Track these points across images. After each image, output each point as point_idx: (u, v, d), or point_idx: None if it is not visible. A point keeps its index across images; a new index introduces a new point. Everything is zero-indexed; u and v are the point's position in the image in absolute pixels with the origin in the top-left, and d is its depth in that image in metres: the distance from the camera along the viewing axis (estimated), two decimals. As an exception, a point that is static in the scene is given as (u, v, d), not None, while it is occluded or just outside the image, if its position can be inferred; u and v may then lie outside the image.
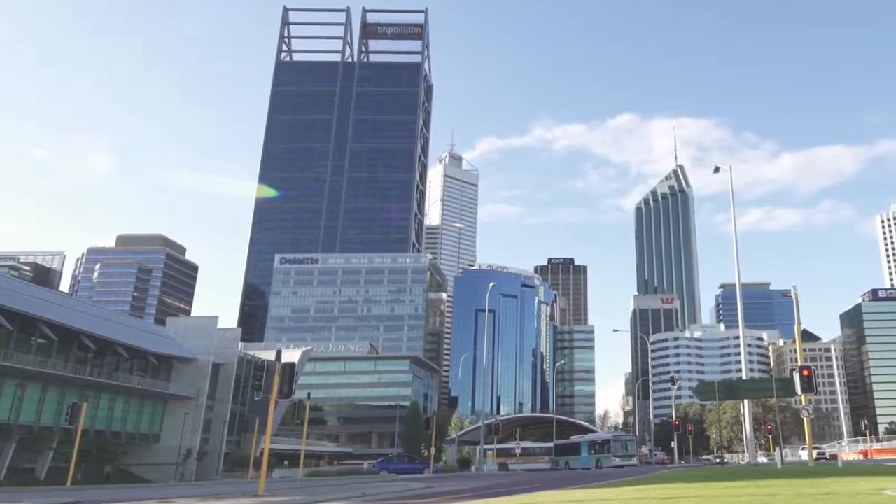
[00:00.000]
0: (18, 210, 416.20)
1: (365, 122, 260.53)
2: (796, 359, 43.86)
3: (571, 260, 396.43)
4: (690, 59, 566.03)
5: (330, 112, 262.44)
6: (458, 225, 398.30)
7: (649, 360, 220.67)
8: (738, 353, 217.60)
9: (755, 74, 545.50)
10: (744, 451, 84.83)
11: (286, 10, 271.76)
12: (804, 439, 44.63)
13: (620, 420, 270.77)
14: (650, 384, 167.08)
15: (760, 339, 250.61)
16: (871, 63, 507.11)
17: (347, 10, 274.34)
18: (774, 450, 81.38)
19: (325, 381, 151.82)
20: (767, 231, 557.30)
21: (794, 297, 45.52)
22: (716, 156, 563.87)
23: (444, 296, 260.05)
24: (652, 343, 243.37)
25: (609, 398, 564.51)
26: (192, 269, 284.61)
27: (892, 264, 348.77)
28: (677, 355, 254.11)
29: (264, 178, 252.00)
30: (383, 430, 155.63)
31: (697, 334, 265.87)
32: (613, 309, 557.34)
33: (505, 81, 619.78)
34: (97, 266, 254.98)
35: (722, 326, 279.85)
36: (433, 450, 68.58)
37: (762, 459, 79.34)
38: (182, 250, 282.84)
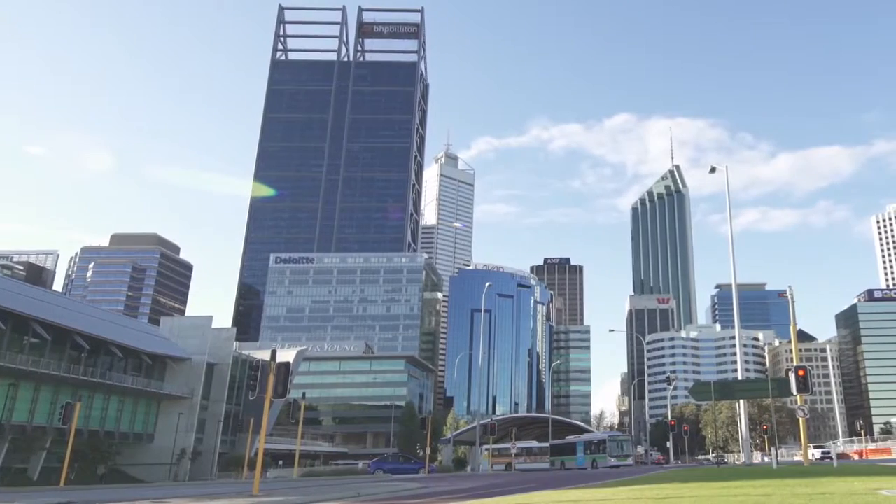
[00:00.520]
0: (12, 209, 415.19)
1: (361, 122, 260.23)
2: (792, 359, 43.81)
3: (567, 260, 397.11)
4: (687, 59, 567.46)
5: (326, 111, 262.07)
6: (457, 224, 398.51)
7: (645, 360, 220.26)
8: (734, 354, 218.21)
9: (752, 75, 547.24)
10: (740, 451, 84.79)
11: (282, 9, 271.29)
12: (800, 439, 44.55)
13: (616, 420, 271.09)
14: (646, 384, 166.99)
15: (756, 339, 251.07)
16: (868, 64, 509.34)
17: (343, 9, 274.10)
18: (770, 450, 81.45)
19: (320, 380, 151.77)
20: (764, 231, 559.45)
21: (789, 297, 45.38)
22: (712, 156, 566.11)
23: (440, 295, 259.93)
24: (648, 343, 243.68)
25: (605, 398, 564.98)
26: (187, 268, 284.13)
27: (888, 265, 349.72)
28: (673, 355, 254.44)
29: (259, 176, 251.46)
30: (378, 430, 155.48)
31: (693, 334, 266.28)
32: (609, 309, 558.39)
33: (501, 81, 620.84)
34: (91, 265, 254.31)
35: (718, 326, 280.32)
36: (429, 450, 68.45)
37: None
38: (176, 249, 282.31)
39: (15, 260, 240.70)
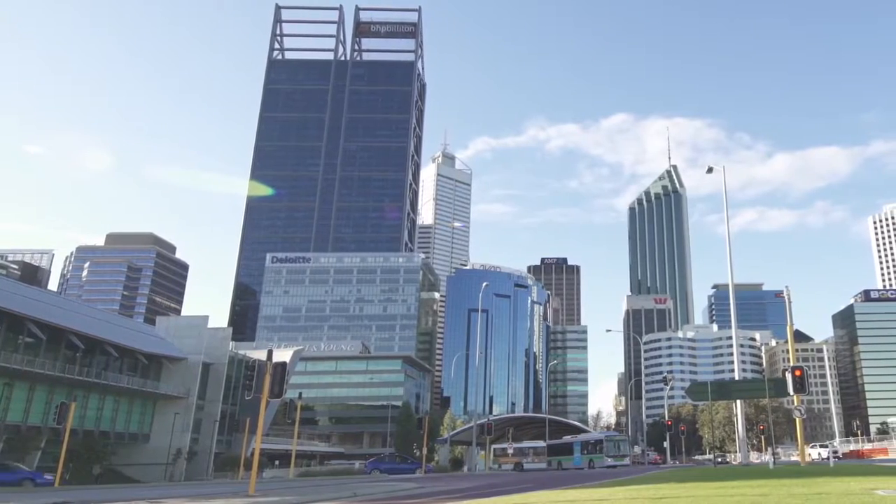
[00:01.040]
0: (7, 208, 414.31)
1: (358, 121, 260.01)
2: (789, 359, 43.78)
3: (564, 260, 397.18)
4: (685, 59, 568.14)
5: (322, 110, 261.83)
6: (457, 224, 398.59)
7: (642, 360, 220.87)
8: (731, 354, 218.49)
9: (750, 75, 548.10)
10: (736, 451, 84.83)
11: (278, 8, 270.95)
12: (796, 439, 44.55)
13: (613, 420, 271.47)
14: (643, 384, 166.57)
15: (753, 339, 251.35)
16: (866, 64, 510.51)
17: (340, 9, 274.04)
18: (768, 449, 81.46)
19: (316, 380, 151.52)
20: (761, 232, 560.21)
21: (786, 297, 45.39)
22: (709, 156, 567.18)
23: (437, 295, 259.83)
24: (645, 343, 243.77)
25: (602, 398, 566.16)
26: (183, 267, 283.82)
27: (885, 265, 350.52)
28: (670, 355, 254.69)
29: (256, 176, 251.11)
30: (375, 430, 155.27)
31: (690, 334, 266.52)
32: (606, 309, 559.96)
33: (499, 81, 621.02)
34: (86, 264, 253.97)
35: (715, 327, 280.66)
36: (425, 450, 68.34)
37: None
38: (172, 249, 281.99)
39: (10, 259, 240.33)
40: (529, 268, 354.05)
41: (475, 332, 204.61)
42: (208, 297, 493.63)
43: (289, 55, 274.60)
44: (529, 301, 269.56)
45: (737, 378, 54.09)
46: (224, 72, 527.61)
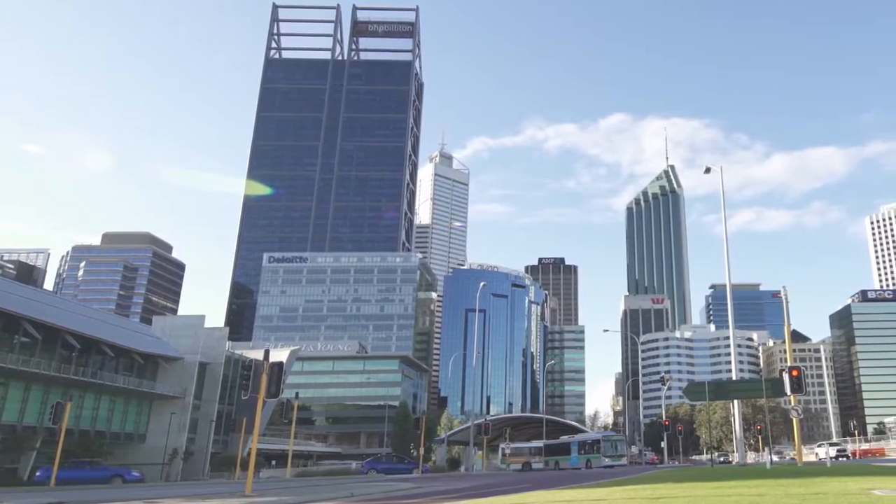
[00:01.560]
0: (4, 207, 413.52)
1: (355, 121, 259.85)
2: (786, 359, 43.72)
3: (562, 260, 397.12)
4: (683, 59, 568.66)
5: (320, 110, 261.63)
6: (456, 224, 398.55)
7: (640, 360, 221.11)
8: (729, 354, 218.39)
9: (747, 75, 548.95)
10: (733, 451, 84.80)
11: (276, 7, 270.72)
12: (794, 439, 44.51)
13: (610, 420, 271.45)
14: (640, 384, 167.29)
15: (750, 339, 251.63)
16: (863, 65, 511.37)
17: (337, 8, 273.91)
18: (765, 449, 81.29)
19: (313, 380, 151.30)
20: (758, 232, 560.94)
21: (783, 297, 45.39)
22: (707, 156, 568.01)
23: (434, 295, 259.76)
24: (642, 343, 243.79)
25: (599, 398, 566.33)
26: (179, 267, 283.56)
27: (882, 266, 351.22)
28: (667, 355, 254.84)
29: (253, 175, 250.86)
30: (372, 430, 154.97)
31: (688, 334, 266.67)
32: (604, 309, 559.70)
33: (497, 81, 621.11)
34: (82, 264, 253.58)
35: (712, 327, 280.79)
36: (422, 450, 68.18)
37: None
38: (169, 248, 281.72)
39: (6, 258, 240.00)
40: (527, 268, 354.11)
41: (472, 331, 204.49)
42: (205, 297, 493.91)
43: (286, 54, 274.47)
44: (527, 301, 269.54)
45: (734, 378, 54.02)
46: (221, 71, 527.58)
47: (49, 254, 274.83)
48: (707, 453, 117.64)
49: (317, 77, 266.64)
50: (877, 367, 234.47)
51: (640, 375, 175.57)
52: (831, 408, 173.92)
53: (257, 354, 71.02)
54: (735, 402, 49.12)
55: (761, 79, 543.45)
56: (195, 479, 75.30)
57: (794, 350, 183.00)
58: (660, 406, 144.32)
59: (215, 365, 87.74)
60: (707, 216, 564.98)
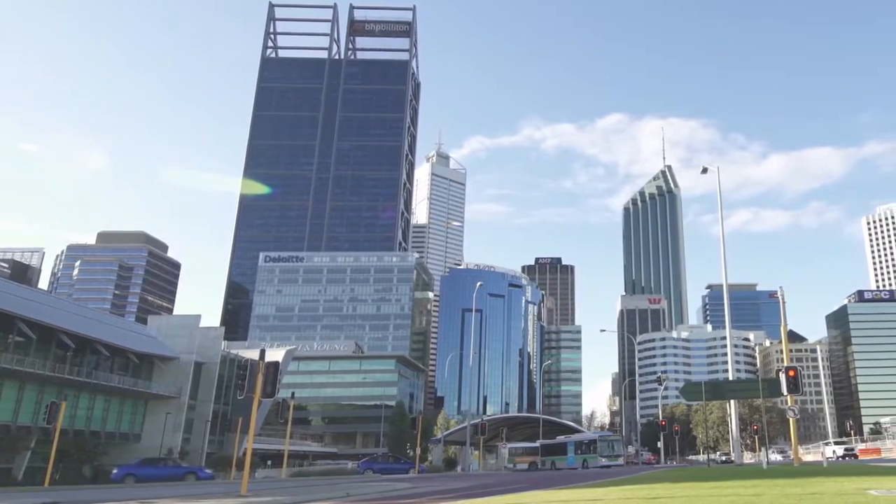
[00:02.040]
0: (3, 207, 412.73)
1: (351, 120, 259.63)
2: (782, 359, 43.70)
3: (559, 260, 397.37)
4: (680, 59, 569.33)
5: (316, 109, 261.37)
6: (455, 223, 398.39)
7: (636, 360, 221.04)
8: (725, 354, 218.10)
9: (745, 76, 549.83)
10: (730, 451, 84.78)
11: (272, 6, 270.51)
12: (790, 439, 44.48)
13: (607, 420, 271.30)
14: (637, 384, 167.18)
15: (747, 339, 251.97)
16: (860, 65, 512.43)
17: (334, 7, 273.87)
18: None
19: (309, 380, 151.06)
20: (755, 232, 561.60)
21: (780, 297, 45.30)
22: (704, 157, 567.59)
23: (431, 295, 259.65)
24: (639, 343, 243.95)
25: (596, 398, 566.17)
26: (175, 266, 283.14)
27: (878, 266, 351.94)
28: (664, 355, 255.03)
29: (249, 174, 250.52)
30: (368, 430, 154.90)
31: (684, 335, 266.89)
32: (601, 309, 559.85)
33: (494, 80, 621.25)
34: (77, 263, 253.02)
35: (709, 327, 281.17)
36: (419, 450, 68.00)
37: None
38: (164, 247, 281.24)
39: (0, 258, 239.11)
40: (524, 267, 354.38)
41: (469, 331, 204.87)
42: (201, 297, 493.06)
43: (282, 53, 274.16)
44: (524, 301, 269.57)
45: (731, 378, 53.96)
46: (218, 70, 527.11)
47: (44, 253, 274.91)
48: (703, 453, 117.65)
49: (313, 76, 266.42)
50: (873, 368, 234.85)
51: (637, 375, 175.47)
52: (828, 408, 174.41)
53: (253, 354, 70.82)
54: (731, 402, 49.08)
55: (759, 79, 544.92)
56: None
57: (791, 350, 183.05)
58: (656, 406, 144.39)
59: (211, 365, 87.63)
60: (704, 216, 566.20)
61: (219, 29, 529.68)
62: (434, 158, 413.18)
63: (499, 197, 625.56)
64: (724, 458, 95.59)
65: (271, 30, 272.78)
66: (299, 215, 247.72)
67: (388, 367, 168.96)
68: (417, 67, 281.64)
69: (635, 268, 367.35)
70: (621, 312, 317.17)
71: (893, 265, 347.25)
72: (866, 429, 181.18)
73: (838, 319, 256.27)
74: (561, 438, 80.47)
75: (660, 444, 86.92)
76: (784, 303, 44.96)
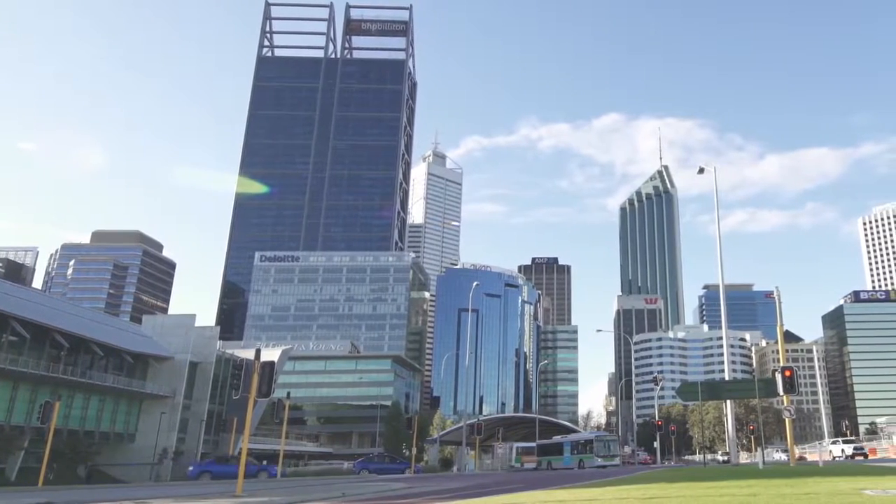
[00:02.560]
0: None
1: (348, 119, 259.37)
2: (779, 359, 43.64)
3: (555, 260, 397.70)
4: (677, 59, 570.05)
5: (312, 108, 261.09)
6: (454, 223, 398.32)
7: (633, 360, 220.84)
8: (722, 354, 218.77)
9: (741, 76, 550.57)
10: (732, 450, 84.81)
11: (268, 5, 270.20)
12: (786, 439, 44.44)
13: (603, 420, 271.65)
14: (633, 384, 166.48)
15: (743, 339, 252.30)
16: (856, 66, 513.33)
17: (331, 6, 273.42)
18: (756, 449, 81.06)
19: (305, 380, 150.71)
20: (751, 232, 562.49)
21: (776, 298, 45.19)
22: (701, 157, 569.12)
23: (427, 295, 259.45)
24: (635, 343, 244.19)
25: (592, 398, 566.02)
26: (170, 266, 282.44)
27: (874, 266, 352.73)
28: (661, 355, 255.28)
29: (245, 173, 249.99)
30: (364, 430, 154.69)
31: (681, 335, 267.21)
32: (597, 309, 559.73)
33: (491, 80, 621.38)
34: (71, 262, 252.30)
35: (705, 327, 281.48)
36: (415, 450, 67.96)
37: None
38: (159, 247, 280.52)
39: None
40: (520, 267, 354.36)
41: (465, 331, 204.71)
42: (196, 296, 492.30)
43: (278, 52, 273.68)
44: (520, 301, 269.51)
45: (727, 378, 53.85)
46: (213, 69, 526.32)
47: (38, 252, 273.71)
48: (700, 453, 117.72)
49: (309, 75, 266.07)
50: (869, 368, 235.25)
51: (633, 375, 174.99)
52: (823, 408, 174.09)
53: (248, 354, 70.58)
54: (728, 402, 49.02)
55: (755, 80, 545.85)
56: (185, 480, 74.83)
57: (787, 350, 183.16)
58: (653, 406, 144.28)
59: (206, 364, 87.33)
60: (701, 216, 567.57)
61: (215, 28, 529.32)
62: (430, 158, 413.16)
63: (495, 197, 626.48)
64: (724, 458, 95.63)
65: (267, 29, 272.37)
66: (295, 214, 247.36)
67: (384, 367, 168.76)
68: (414, 67, 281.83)
69: (632, 268, 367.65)
70: (618, 312, 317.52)
71: (889, 265, 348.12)
72: (862, 429, 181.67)
73: (834, 320, 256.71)
74: (557, 438, 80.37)
75: (656, 445, 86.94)
76: (780, 303, 44.85)
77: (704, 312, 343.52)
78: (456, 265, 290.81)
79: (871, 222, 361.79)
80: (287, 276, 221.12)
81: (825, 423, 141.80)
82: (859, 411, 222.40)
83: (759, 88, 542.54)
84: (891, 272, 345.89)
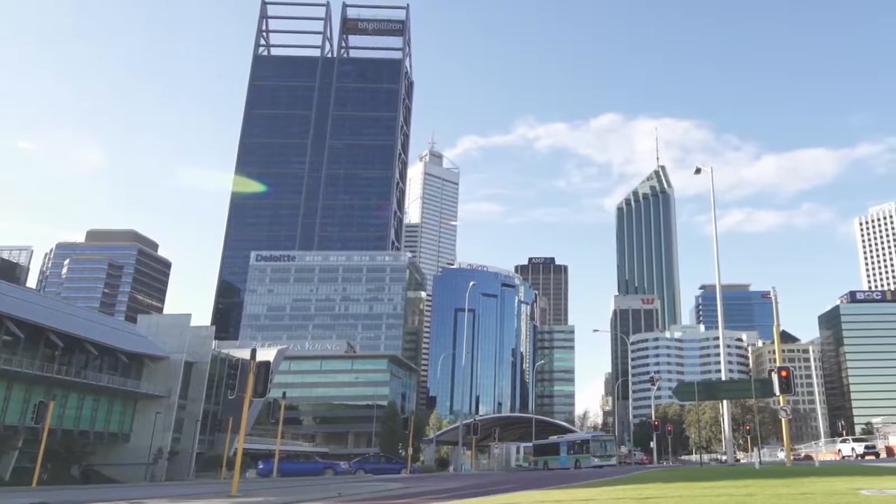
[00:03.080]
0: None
1: (344, 119, 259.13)
2: (775, 360, 43.58)
3: (552, 259, 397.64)
4: (674, 60, 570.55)
5: (308, 107, 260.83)
6: (453, 223, 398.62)
7: (629, 360, 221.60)
8: (718, 354, 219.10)
9: (738, 77, 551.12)
10: (724, 451, 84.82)
11: (264, 4, 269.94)
12: (782, 439, 44.44)
13: (600, 420, 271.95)
14: (630, 384, 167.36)
15: (740, 339, 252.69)
16: (853, 66, 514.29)
17: (327, 5, 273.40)
18: (753, 449, 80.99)
19: (301, 380, 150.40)
20: (748, 233, 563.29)
21: (773, 298, 45.27)
22: (698, 157, 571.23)
23: (424, 295, 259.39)
24: (632, 343, 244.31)
25: (589, 398, 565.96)
26: (165, 265, 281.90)
27: (870, 267, 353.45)
28: (657, 356, 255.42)
29: (241, 173, 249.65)
30: (360, 430, 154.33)
31: (677, 335, 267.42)
32: (594, 309, 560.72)
33: (488, 79, 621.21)
34: (66, 262, 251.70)
35: (702, 327, 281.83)
36: (411, 450, 67.80)
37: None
38: (154, 246, 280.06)
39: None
40: (517, 267, 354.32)
41: (462, 331, 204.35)
42: (191, 296, 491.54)
43: (275, 51, 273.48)
44: (516, 301, 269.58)
45: (723, 378, 53.78)
46: (209, 68, 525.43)
47: (32, 251, 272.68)
48: (696, 453, 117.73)
49: (306, 74, 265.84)
50: (865, 368, 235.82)
51: (630, 375, 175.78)
52: (819, 408, 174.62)
53: (244, 353, 70.42)
54: (724, 402, 48.93)
55: (752, 80, 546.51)
56: (180, 480, 74.63)
57: (783, 350, 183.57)
58: (649, 406, 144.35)
59: (201, 364, 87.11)
60: (697, 216, 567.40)
61: (211, 27, 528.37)
62: (427, 157, 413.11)
63: (492, 196, 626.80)
64: (724, 458, 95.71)
65: (263, 28, 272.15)
66: (291, 214, 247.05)
67: (380, 367, 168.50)
68: (411, 66, 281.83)
69: (629, 268, 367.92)
70: (614, 312, 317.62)
71: (886, 266, 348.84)
72: (858, 429, 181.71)
73: (830, 320, 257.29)
74: (553, 438, 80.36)
75: (652, 444, 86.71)
76: (777, 303, 44.95)
77: (701, 312, 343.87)
78: (452, 265, 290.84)
79: (867, 223, 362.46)
80: (283, 276, 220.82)
81: (821, 424, 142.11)
82: (855, 411, 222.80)
83: (756, 89, 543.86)
84: (887, 273, 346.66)
